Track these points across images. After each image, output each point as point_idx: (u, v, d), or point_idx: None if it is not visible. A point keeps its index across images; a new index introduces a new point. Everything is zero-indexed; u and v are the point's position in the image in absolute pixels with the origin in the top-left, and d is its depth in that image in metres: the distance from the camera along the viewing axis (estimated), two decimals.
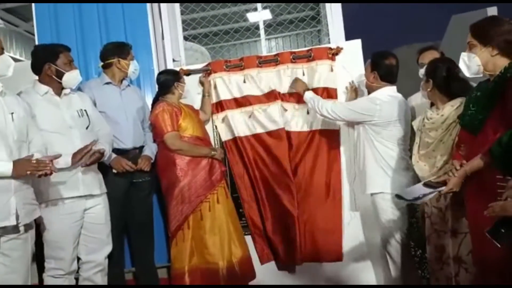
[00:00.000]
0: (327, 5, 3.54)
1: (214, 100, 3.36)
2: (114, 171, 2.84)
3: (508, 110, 1.80)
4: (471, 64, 1.97)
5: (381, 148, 2.72)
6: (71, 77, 2.54)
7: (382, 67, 2.80)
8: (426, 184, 2.06)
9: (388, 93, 2.78)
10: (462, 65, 2.02)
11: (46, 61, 2.51)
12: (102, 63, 3.05)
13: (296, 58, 3.30)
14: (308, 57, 3.29)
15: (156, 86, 3.20)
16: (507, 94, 1.83)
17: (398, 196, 2.19)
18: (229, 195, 3.18)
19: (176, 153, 3.02)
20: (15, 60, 2.30)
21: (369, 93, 2.92)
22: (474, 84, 2.19)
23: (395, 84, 2.86)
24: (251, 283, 3.14)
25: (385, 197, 2.73)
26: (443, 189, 2.00)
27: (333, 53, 3.26)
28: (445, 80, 2.34)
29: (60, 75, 2.51)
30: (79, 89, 2.92)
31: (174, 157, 3.03)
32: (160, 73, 3.22)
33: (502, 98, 1.85)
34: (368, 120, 2.73)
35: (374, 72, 2.81)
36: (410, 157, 2.70)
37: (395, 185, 2.69)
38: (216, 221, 3.03)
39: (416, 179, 2.70)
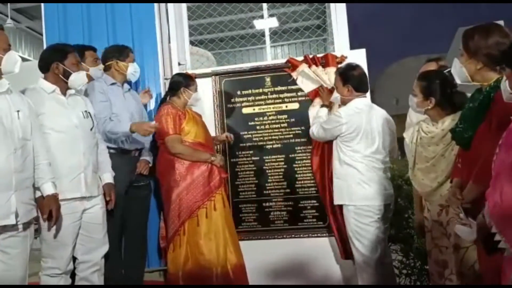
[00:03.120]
0: (333, 14, 3.55)
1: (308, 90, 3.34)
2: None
3: (492, 129, 1.74)
4: (460, 72, 1.92)
5: (348, 160, 2.73)
6: (77, 78, 2.54)
7: (354, 79, 2.80)
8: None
9: (357, 105, 2.78)
10: (453, 71, 1.96)
11: (55, 60, 2.52)
12: (103, 66, 3.10)
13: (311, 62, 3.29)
14: (322, 64, 3.29)
15: (161, 88, 3.22)
16: (490, 115, 1.77)
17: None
18: (226, 203, 3.14)
19: (176, 157, 3.03)
20: (23, 59, 2.31)
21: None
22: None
23: (366, 94, 2.88)
24: None
25: (348, 209, 2.73)
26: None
27: (338, 62, 3.27)
28: (448, 96, 2.30)
29: (67, 74, 2.52)
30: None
31: (174, 161, 3.03)
32: (175, 74, 3.27)
33: (488, 117, 1.79)
34: (338, 135, 2.77)
35: (347, 86, 2.80)
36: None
37: (357, 197, 2.70)
38: (212, 228, 3.01)
39: (383, 191, 2.70)
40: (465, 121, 1.94)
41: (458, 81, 1.97)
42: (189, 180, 3.01)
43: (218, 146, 3.43)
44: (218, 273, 2.97)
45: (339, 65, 3.19)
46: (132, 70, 3.09)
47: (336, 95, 2.90)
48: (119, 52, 3.07)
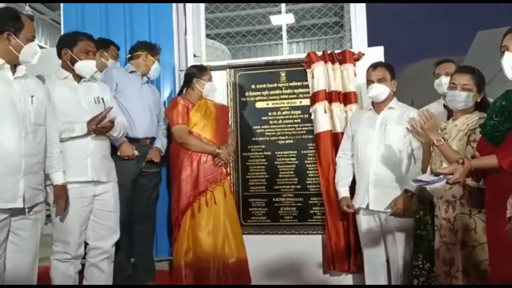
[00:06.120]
0: (352, 10, 3.52)
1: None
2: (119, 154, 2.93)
3: None
4: None
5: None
6: (83, 66, 2.52)
7: None
8: (434, 173, 1.98)
9: None
10: (506, 65, 1.81)
11: (64, 46, 2.53)
12: (129, 55, 3.20)
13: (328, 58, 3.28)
14: (339, 60, 3.27)
15: (176, 79, 3.27)
16: None
17: (414, 181, 2.07)
18: (229, 196, 3.11)
19: (183, 146, 3.04)
20: (40, 47, 2.31)
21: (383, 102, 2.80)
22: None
23: None
24: None
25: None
26: (451, 177, 1.88)
27: (355, 58, 3.24)
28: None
29: (74, 62, 2.52)
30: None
31: (180, 147, 3.06)
32: (189, 66, 3.30)
33: None
34: None
35: (395, 80, 2.77)
36: None
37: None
38: (212, 220, 3.00)
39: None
40: (501, 114, 1.86)
41: (509, 75, 1.84)
42: (195, 166, 3.02)
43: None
44: (215, 267, 2.96)
45: (357, 62, 3.17)
46: (156, 66, 3.20)
47: (378, 92, 2.71)
48: (150, 48, 3.20)
